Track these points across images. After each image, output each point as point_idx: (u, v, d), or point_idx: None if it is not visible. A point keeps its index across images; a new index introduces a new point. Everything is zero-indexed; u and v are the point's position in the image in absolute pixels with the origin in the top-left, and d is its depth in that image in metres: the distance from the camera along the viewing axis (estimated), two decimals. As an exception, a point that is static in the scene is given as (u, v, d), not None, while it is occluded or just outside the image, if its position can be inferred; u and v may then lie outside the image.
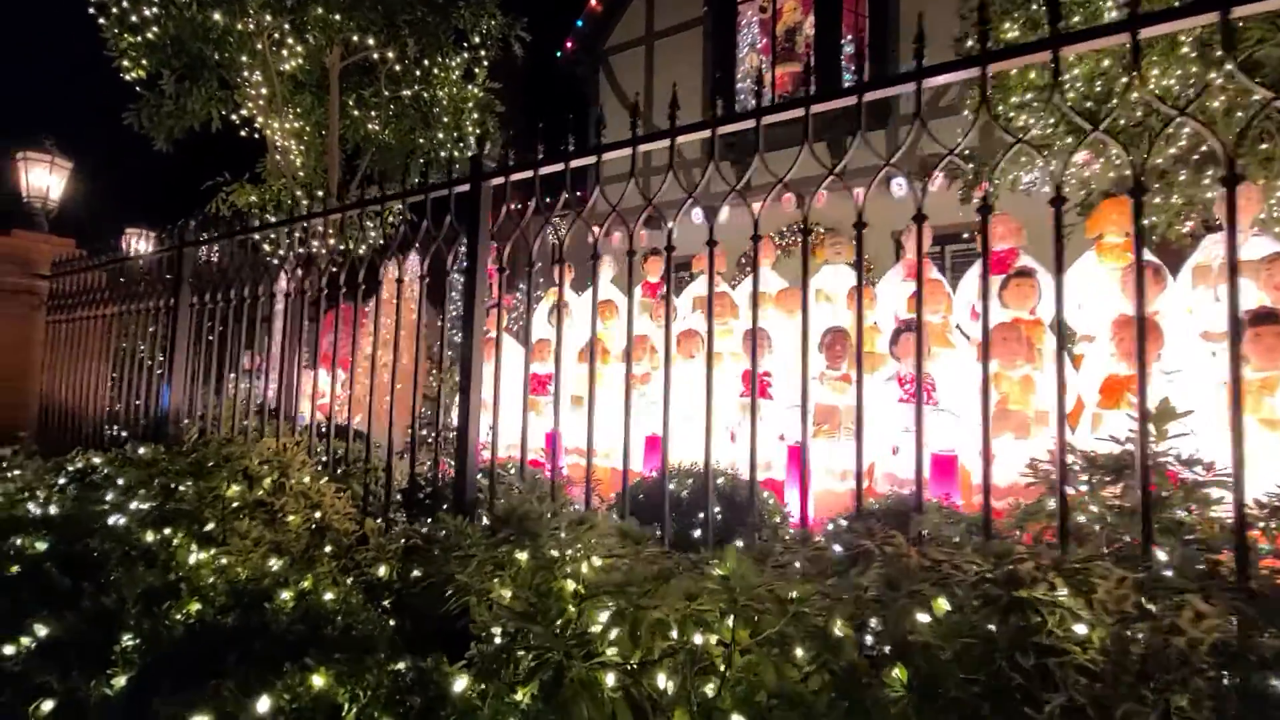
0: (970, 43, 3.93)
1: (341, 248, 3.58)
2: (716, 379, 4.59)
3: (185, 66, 7.24)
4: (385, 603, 2.23)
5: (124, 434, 4.82)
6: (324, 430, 3.62)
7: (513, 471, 3.08)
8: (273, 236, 4.41)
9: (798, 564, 1.53)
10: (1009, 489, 3.95)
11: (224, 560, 1.93)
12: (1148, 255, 4.24)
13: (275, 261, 3.99)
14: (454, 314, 3.87)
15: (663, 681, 1.25)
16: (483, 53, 8.02)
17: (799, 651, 1.20)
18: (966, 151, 6.13)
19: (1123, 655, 1.04)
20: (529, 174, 2.83)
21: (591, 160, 2.69)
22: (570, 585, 1.49)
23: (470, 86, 8.05)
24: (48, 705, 1.47)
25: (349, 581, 2.25)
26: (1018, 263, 4.71)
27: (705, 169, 2.56)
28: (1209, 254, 4.22)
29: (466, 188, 3.02)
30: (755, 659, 1.20)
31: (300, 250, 3.80)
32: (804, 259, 2.37)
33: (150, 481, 2.80)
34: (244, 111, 7.55)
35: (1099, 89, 4.99)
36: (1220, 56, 1.77)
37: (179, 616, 1.60)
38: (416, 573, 2.26)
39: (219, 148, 7.88)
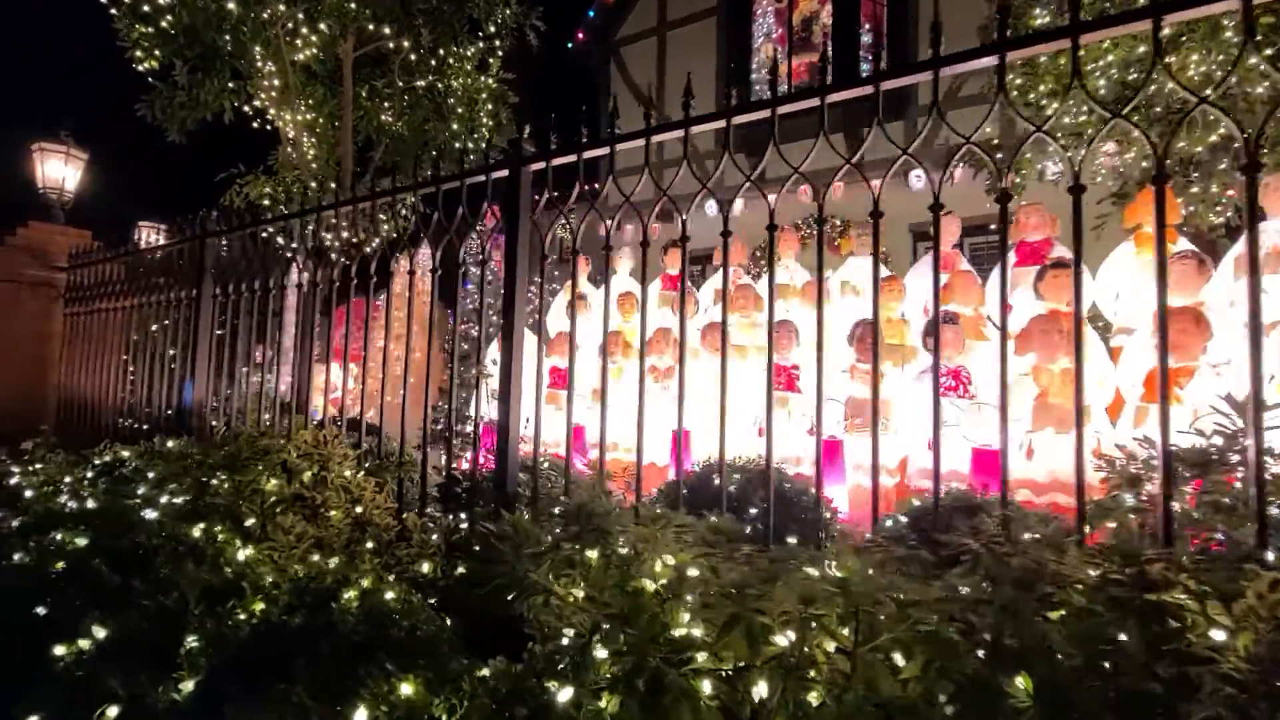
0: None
1: (363, 238, 3.52)
2: (744, 372, 4.50)
3: (198, 57, 7.16)
4: (431, 600, 2.17)
5: (144, 427, 4.76)
6: (342, 423, 3.56)
7: (546, 466, 3.01)
8: (286, 228, 4.35)
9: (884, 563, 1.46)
10: (1049, 484, 3.88)
11: (274, 556, 1.86)
12: (1189, 245, 4.14)
13: (292, 253, 3.92)
14: (471, 306, 3.80)
15: (764, 689, 1.18)
16: (497, 43, 7.93)
17: (914, 658, 1.13)
18: (995, 141, 6.03)
19: (1276, 664, 0.97)
20: (572, 158, 2.75)
21: (640, 144, 2.62)
22: (649, 585, 1.42)
23: (484, 77, 7.96)
24: (113, 711, 1.40)
25: (390, 578, 2.19)
26: (1053, 253, 4.61)
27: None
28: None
29: (505, 173, 2.94)
30: (867, 665, 1.13)
31: (318, 241, 3.74)
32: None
33: (182, 475, 2.74)
34: (257, 103, 7.47)
35: (1133, 75, 4.88)
36: (1244, 43, 1.70)
37: (242, 616, 1.54)
38: (461, 570, 2.20)
39: (232, 139, 7.82)
